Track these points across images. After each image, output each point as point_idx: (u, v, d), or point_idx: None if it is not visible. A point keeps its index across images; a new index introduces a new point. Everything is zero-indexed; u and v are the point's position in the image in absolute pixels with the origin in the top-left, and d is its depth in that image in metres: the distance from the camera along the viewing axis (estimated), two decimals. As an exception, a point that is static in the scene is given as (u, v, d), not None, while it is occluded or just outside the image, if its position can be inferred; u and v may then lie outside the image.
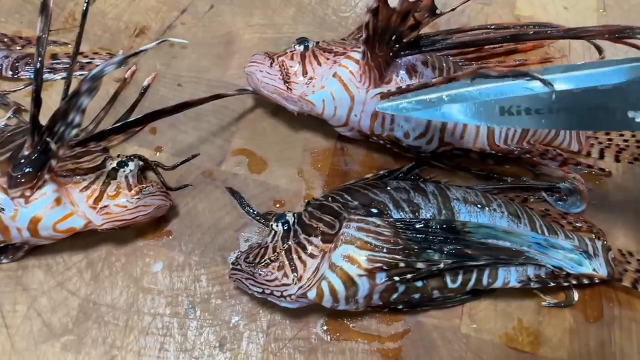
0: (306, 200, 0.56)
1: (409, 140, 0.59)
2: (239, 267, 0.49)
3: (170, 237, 0.55)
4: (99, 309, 0.51)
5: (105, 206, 0.50)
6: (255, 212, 0.56)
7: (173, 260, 0.54)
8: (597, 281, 0.54)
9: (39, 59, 0.44)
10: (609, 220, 0.60)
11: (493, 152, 0.60)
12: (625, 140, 0.65)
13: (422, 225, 0.48)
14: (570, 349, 0.53)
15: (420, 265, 0.46)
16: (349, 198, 0.51)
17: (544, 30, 0.50)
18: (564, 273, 0.53)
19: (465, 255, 0.48)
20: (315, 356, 0.50)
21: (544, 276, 0.53)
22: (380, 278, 0.47)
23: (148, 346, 0.50)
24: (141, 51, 0.43)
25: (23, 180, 0.46)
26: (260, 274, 0.48)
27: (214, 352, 0.50)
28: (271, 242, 0.50)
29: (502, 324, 0.53)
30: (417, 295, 0.50)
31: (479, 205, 0.54)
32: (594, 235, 0.58)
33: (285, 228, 0.50)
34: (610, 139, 0.64)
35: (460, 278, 0.50)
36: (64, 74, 0.64)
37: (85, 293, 0.52)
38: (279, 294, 0.47)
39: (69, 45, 0.66)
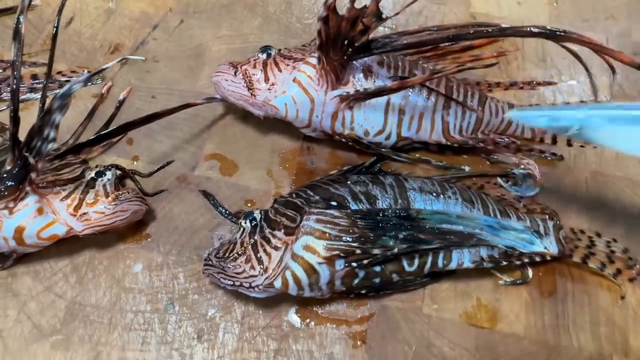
0: (274, 198, 0.60)
1: (369, 138, 0.63)
2: (210, 262, 0.53)
3: (149, 240, 0.59)
4: (84, 310, 0.55)
5: (85, 213, 0.54)
6: (227, 212, 0.60)
7: (152, 260, 0.58)
8: (549, 258, 0.58)
9: (15, 81, 0.48)
10: (562, 201, 0.64)
11: (449, 143, 0.64)
12: (577, 126, 0.68)
13: (377, 214, 0.52)
14: (526, 322, 0.56)
15: (375, 250, 0.50)
16: (311, 193, 0.55)
17: (481, 29, 0.54)
18: (517, 252, 0.56)
19: (419, 239, 0.51)
20: (287, 342, 0.54)
21: (497, 256, 0.56)
22: (339, 265, 0.50)
23: (131, 341, 0.54)
24: (103, 69, 0.47)
25: (6, 193, 0.50)
26: (229, 268, 0.52)
27: (193, 343, 0.54)
28: (239, 238, 0.54)
29: (462, 304, 0.57)
30: (377, 280, 0.54)
31: (434, 194, 0.57)
32: (547, 216, 0.62)
33: (252, 224, 0.54)
34: (562, 125, 0.68)
35: (416, 261, 0.54)
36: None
37: (71, 295, 0.56)
38: (247, 285, 0.51)
39: (48, 66, 0.70)
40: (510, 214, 0.59)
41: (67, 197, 0.54)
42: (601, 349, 0.55)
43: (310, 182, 0.61)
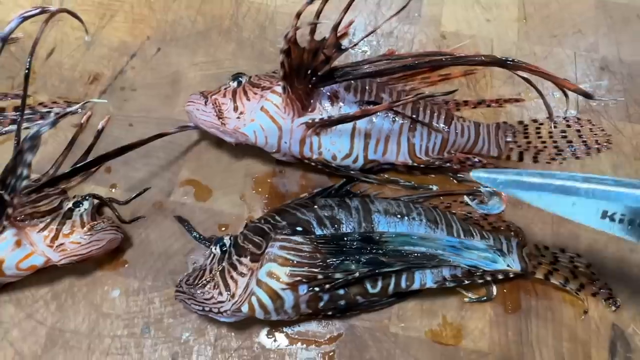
0: (245, 223, 0.62)
1: (337, 161, 0.65)
2: (181, 289, 0.56)
3: (126, 266, 0.61)
4: (64, 335, 0.57)
5: (62, 244, 0.56)
6: (201, 237, 0.62)
7: (129, 286, 0.60)
8: (512, 275, 0.60)
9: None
10: (526, 218, 0.66)
11: (416, 164, 0.66)
12: (543, 142, 0.70)
13: (340, 238, 0.54)
14: (491, 339, 0.58)
15: (337, 275, 0.52)
16: (279, 219, 0.57)
17: (436, 58, 0.56)
18: (480, 271, 0.58)
19: (381, 262, 0.53)
20: (258, 363, 0.56)
21: (459, 275, 0.58)
22: (303, 290, 0.52)
23: (108, 365, 0.56)
24: (67, 113, 0.49)
25: (-16, 228, 0.52)
26: (199, 294, 0.54)
27: (168, 366, 0.56)
28: (209, 264, 0.56)
29: (428, 322, 0.59)
30: (342, 302, 0.56)
31: (398, 216, 0.59)
32: (512, 233, 0.64)
33: (222, 250, 0.56)
34: (529, 142, 0.70)
35: (379, 284, 0.56)
36: (27, 125, 0.70)
37: (51, 322, 0.58)
38: (216, 310, 0.53)
39: (31, 97, 0.73)
40: (474, 233, 0.61)
41: (44, 228, 0.56)
42: (563, 363, 0.57)
43: (281, 205, 0.63)
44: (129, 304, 0.59)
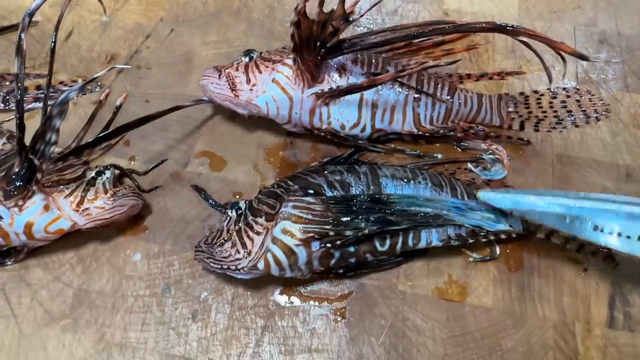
0: (259, 189, 0.65)
1: (346, 131, 0.68)
2: (200, 248, 0.59)
3: (147, 232, 0.65)
4: (89, 296, 0.61)
5: (87, 208, 0.59)
6: (216, 204, 0.65)
7: (150, 250, 0.63)
8: (514, 236, 0.62)
9: (19, 92, 0.54)
10: (529, 183, 0.68)
11: (421, 133, 0.69)
12: (544, 112, 0.73)
13: (350, 199, 0.57)
14: (494, 296, 0.61)
15: (348, 232, 0.55)
16: (291, 183, 0.60)
17: (439, 27, 0.58)
18: (484, 231, 0.61)
19: (389, 220, 0.56)
20: (274, 319, 0.59)
21: (464, 234, 0.61)
22: (315, 246, 0.55)
23: (132, 322, 0.59)
24: (95, 78, 0.52)
25: (15, 192, 0.56)
26: (217, 252, 0.57)
27: (188, 322, 0.59)
28: (226, 225, 0.59)
29: (434, 280, 0.62)
30: (353, 260, 0.59)
31: (405, 180, 0.62)
32: None
33: (238, 213, 0.59)
34: (530, 112, 0.72)
35: (388, 242, 0.59)
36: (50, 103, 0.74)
37: (77, 284, 0.61)
38: (234, 267, 0.56)
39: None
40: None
41: (70, 194, 0.60)
42: (564, 317, 0.60)
43: (292, 173, 0.66)
44: (150, 266, 0.63)
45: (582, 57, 0.53)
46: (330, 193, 0.59)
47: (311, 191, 0.59)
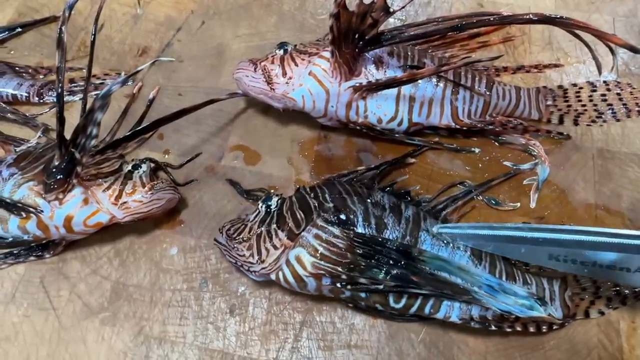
0: (296, 186, 0.65)
1: (383, 124, 0.67)
2: (221, 236, 0.58)
3: (183, 225, 0.65)
4: (127, 289, 0.61)
5: (125, 202, 0.59)
6: (250, 193, 0.65)
7: (186, 244, 0.63)
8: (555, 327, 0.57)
9: (60, 85, 0.54)
10: (569, 178, 0.67)
11: (459, 127, 0.68)
12: (584, 105, 0.71)
13: (378, 244, 0.52)
14: (536, 293, 0.60)
15: (362, 280, 0.52)
16: (328, 198, 0.57)
17: (484, 18, 0.57)
18: (513, 317, 0.54)
19: (410, 281, 0.51)
20: (312, 314, 0.59)
21: (489, 318, 0.55)
22: (326, 281, 0.54)
23: (170, 316, 0.59)
24: (138, 71, 0.52)
25: (56, 185, 0.56)
26: (234, 248, 0.57)
27: (226, 317, 0.59)
28: (251, 221, 0.58)
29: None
30: (362, 303, 0.56)
31: (445, 241, 0.57)
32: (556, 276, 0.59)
33: (267, 210, 0.58)
34: (569, 105, 0.71)
35: (403, 301, 0.55)
36: (81, 95, 0.74)
37: (115, 277, 0.61)
38: (246, 268, 0.56)
39: (83, 70, 0.76)
40: (517, 277, 0.58)
41: (108, 188, 0.60)
42: (609, 315, 0.58)
43: (337, 177, 0.63)
44: (186, 260, 0.62)
45: (634, 50, 0.51)
46: (361, 227, 0.55)
47: (343, 216, 0.55)
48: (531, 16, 0.54)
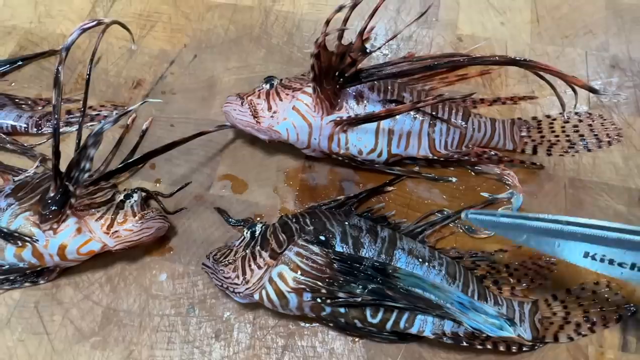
0: (281, 214, 0.68)
1: (363, 156, 0.70)
2: (208, 262, 0.62)
3: (172, 252, 0.68)
4: (117, 314, 0.63)
5: (116, 231, 0.62)
6: (237, 222, 0.68)
7: (175, 270, 0.66)
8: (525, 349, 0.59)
9: (56, 121, 0.57)
10: (542, 206, 0.70)
11: (436, 157, 0.71)
12: (557, 136, 0.74)
13: (355, 260, 0.56)
14: (508, 318, 0.62)
15: (341, 294, 0.55)
16: (309, 222, 0.61)
17: (455, 59, 0.61)
18: (483, 335, 0.57)
19: (385, 295, 0.55)
20: (294, 339, 0.62)
21: (461, 335, 0.57)
22: (307, 297, 0.56)
23: (158, 341, 0.62)
24: (129, 111, 0.56)
25: (51, 216, 0.59)
26: (220, 271, 0.60)
27: (212, 341, 0.62)
28: (237, 245, 0.62)
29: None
30: (342, 320, 0.58)
31: (420, 259, 0.60)
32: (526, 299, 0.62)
33: (253, 235, 0.62)
34: (542, 136, 0.74)
35: (380, 315, 0.57)
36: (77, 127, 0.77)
37: (106, 302, 0.64)
38: (231, 289, 0.59)
39: (80, 102, 0.80)
40: (489, 298, 0.61)
41: (100, 217, 0.63)
42: (578, 340, 0.61)
43: (317, 206, 0.66)
44: (175, 286, 0.65)
45: (593, 91, 0.55)
46: (339, 247, 0.58)
47: (322, 238, 0.59)
48: (498, 58, 0.58)
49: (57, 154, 0.58)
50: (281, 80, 0.72)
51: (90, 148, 0.55)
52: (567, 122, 0.75)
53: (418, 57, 0.63)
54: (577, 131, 0.74)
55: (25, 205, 0.61)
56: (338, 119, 0.67)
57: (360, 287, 0.55)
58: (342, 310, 0.58)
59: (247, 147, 0.76)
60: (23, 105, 0.79)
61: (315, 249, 0.57)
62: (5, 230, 0.59)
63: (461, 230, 0.68)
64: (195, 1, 0.91)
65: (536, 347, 0.60)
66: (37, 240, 0.59)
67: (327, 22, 0.59)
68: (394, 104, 0.68)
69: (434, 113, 0.70)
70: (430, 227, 0.67)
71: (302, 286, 0.56)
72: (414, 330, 0.58)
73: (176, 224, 0.69)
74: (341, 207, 0.67)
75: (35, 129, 0.77)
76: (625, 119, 0.77)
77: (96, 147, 0.56)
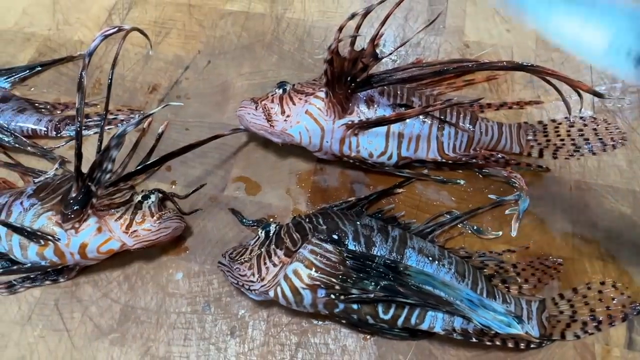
0: (294, 215, 0.70)
1: (374, 159, 0.72)
2: (224, 260, 0.63)
3: (187, 252, 0.69)
4: (135, 312, 0.65)
5: (135, 231, 0.64)
6: (251, 222, 0.70)
7: (190, 269, 0.68)
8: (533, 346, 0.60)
9: (79, 124, 0.59)
10: (548, 209, 0.72)
11: (444, 160, 0.73)
12: (562, 140, 0.76)
13: (367, 258, 0.58)
14: (516, 316, 0.64)
15: (354, 290, 0.57)
16: (322, 222, 0.62)
17: (462, 64, 0.63)
18: (492, 332, 0.57)
19: (397, 291, 0.56)
20: (307, 336, 0.63)
21: (470, 331, 0.59)
22: (321, 293, 0.58)
23: (175, 337, 0.63)
24: (151, 114, 0.58)
25: (73, 215, 0.61)
26: (235, 269, 0.61)
27: (227, 338, 0.63)
28: (252, 244, 0.63)
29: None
30: (355, 316, 0.60)
31: (430, 258, 0.62)
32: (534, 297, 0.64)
33: (267, 235, 0.63)
34: (548, 140, 0.76)
35: (391, 312, 0.59)
36: (95, 130, 0.80)
37: (124, 300, 0.66)
38: (247, 287, 0.61)
39: (98, 106, 0.82)
40: (497, 296, 0.62)
41: (120, 217, 0.65)
42: (584, 338, 0.62)
43: (329, 206, 0.68)
44: (191, 285, 0.67)
45: (598, 95, 0.56)
46: (352, 245, 0.60)
47: (335, 237, 0.61)
48: (505, 64, 0.60)
49: (79, 155, 0.60)
50: (294, 85, 0.74)
51: (112, 149, 0.57)
52: (573, 126, 0.77)
53: (427, 62, 0.65)
54: (582, 135, 0.76)
55: (47, 205, 0.63)
56: (349, 122, 0.69)
57: (373, 283, 0.57)
58: (354, 306, 0.59)
59: (260, 150, 0.78)
60: (42, 110, 0.81)
61: (329, 246, 0.59)
62: (28, 229, 0.61)
63: (469, 231, 0.70)
64: (209, 9, 0.93)
65: (544, 345, 0.61)
66: (59, 239, 0.61)
67: (340, 29, 0.61)
68: (403, 108, 0.70)
69: (442, 117, 0.72)
70: (439, 228, 0.69)
71: (317, 283, 0.57)
72: (424, 327, 0.60)
73: (191, 225, 0.71)
74: (352, 208, 0.69)
75: (54, 132, 0.79)
76: (629, 123, 0.79)
77: (118, 149, 0.58)
